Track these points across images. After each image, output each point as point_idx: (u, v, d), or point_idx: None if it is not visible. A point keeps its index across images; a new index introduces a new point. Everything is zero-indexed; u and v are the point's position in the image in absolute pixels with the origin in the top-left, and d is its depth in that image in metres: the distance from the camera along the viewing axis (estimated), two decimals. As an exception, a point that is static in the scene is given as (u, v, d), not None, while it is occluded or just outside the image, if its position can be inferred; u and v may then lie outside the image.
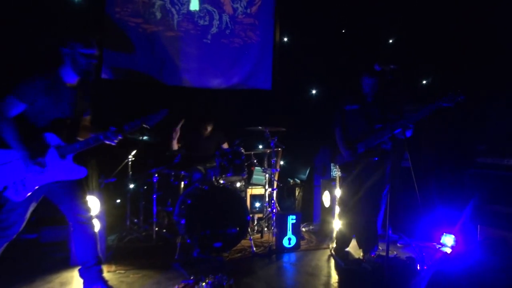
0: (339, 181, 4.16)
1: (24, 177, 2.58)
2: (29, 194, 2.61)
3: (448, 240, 4.45)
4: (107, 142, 2.76)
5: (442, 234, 4.52)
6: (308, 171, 5.89)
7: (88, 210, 2.87)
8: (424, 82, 5.98)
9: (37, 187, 2.64)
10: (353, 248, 4.17)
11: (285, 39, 6.18)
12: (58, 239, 4.13)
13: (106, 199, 4.51)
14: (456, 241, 4.37)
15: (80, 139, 2.86)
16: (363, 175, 3.78)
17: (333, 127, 3.94)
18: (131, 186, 4.81)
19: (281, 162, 5.87)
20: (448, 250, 4.30)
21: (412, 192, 3.25)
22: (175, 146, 4.85)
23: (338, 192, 4.27)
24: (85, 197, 2.86)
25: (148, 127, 2.77)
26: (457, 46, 5.11)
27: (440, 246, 4.45)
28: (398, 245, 4.51)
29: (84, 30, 4.71)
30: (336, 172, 4.21)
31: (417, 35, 5.59)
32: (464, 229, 4.25)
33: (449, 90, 3.08)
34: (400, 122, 3.32)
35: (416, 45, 5.61)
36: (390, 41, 6.22)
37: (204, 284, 2.80)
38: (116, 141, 2.77)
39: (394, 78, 3.00)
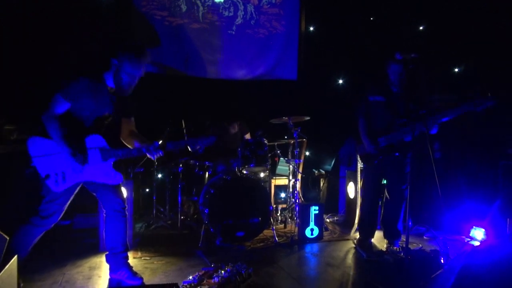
0: (361, 172, 4.10)
1: (65, 170, 2.72)
2: (67, 187, 2.74)
3: (477, 234, 4.31)
4: (148, 155, 2.84)
5: (472, 227, 4.39)
6: (333, 162, 5.83)
7: (122, 199, 2.98)
8: (456, 70, 5.76)
9: (75, 182, 2.78)
10: (378, 239, 4.12)
11: (311, 29, 6.11)
12: (89, 226, 4.34)
13: (135, 188, 4.69)
14: (486, 234, 4.23)
15: (124, 142, 2.99)
16: (385, 167, 3.73)
17: (356, 117, 3.88)
18: (158, 176, 4.95)
19: (307, 153, 5.85)
20: (477, 244, 4.17)
21: (440, 184, 3.15)
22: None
23: (359, 183, 4.23)
24: (120, 186, 2.99)
25: (191, 150, 2.85)
26: (491, 33, 4.87)
27: (469, 239, 4.33)
28: (425, 237, 4.42)
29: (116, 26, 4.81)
30: (358, 163, 4.16)
31: (449, 21, 5.36)
32: (494, 222, 4.10)
33: (478, 93, 2.92)
34: (421, 127, 3.21)
35: (448, 32, 5.39)
36: (421, 28, 6.01)
37: (223, 271, 2.86)
38: (156, 156, 2.84)
39: (415, 67, 2.90)
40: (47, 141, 2.71)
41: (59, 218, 2.83)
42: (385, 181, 3.97)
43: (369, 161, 3.81)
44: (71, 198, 2.87)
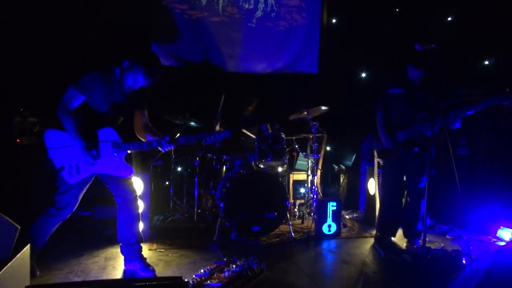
0: (378, 168, 3.98)
1: (79, 163, 2.78)
2: (81, 179, 2.80)
3: (505, 234, 4.13)
4: (160, 149, 2.86)
5: (499, 227, 4.20)
6: (354, 158, 5.71)
7: (133, 191, 3.01)
8: (486, 63, 5.50)
9: (89, 175, 2.83)
10: (398, 238, 4.00)
11: (333, 21, 5.97)
12: (108, 217, 4.40)
13: (154, 181, 4.73)
14: (513, 235, 4.04)
15: (137, 135, 3.01)
16: (405, 162, 3.59)
17: (375, 111, 3.76)
18: (177, 169, 4.97)
19: (327, 148, 5.75)
20: (504, 244, 3.98)
21: (466, 182, 3.01)
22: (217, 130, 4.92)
23: (376, 179, 4.10)
24: (131, 178, 3.01)
25: (204, 145, 2.84)
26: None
27: (495, 240, 4.14)
28: (448, 237, 4.26)
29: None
30: (375, 159, 4.03)
31: (478, 12, 5.12)
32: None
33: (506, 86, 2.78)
34: (442, 122, 3.08)
35: (477, 24, 5.15)
36: (449, 19, 5.77)
37: (234, 266, 2.83)
38: (167, 149, 2.87)
39: (436, 58, 2.77)
40: (62, 134, 2.77)
41: (74, 208, 2.89)
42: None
43: (386, 156, 3.69)
44: (85, 189, 2.92)
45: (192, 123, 4.70)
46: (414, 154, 3.51)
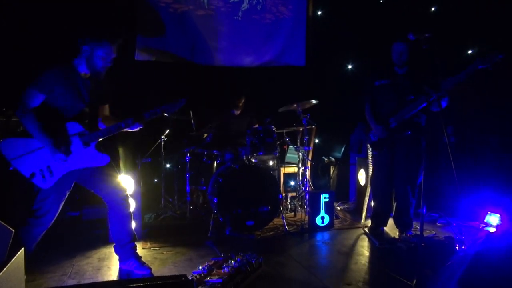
0: (371, 159, 4.02)
1: (50, 164, 2.66)
2: (56, 181, 2.68)
3: (493, 220, 4.22)
4: (128, 130, 2.82)
5: (487, 213, 4.29)
6: (343, 149, 5.74)
7: (122, 189, 2.92)
8: (470, 52, 5.59)
9: (63, 174, 2.70)
10: (390, 227, 4.05)
11: (319, 13, 5.97)
12: (98, 217, 4.32)
13: (144, 179, 4.66)
14: (501, 220, 4.13)
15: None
16: (397, 152, 3.65)
17: (363, 103, 3.81)
18: (167, 166, 4.91)
19: (316, 140, 5.76)
20: (493, 230, 4.08)
21: (453, 170, 3.07)
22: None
23: (370, 170, 4.13)
24: (117, 177, 2.92)
25: (168, 115, 2.80)
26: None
27: (484, 225, 4.23)
28: (438, 224, 4.34)
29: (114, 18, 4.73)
30: (368, 150, 4.07)
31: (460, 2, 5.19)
32: (510, 208, 4.00)
33: (486, 51, 2.88)
34: (434, 95, 3.15)
35: (462, 13, 5.21)
36: (432, 9, 5.83)
37: (233, 261, 2.81)
38: (136, 129, 2.84)
39: (429, 48, 2.80)
40: (21, 140, 2.64)
41: (55, 216, 2.77)
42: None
43: (379, 148, 3.72)
44: (65, 197, 2.80)
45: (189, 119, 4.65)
46: (406, 142, 3.56)
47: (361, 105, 3.91)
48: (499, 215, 4.18)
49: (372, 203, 4.01)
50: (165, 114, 2.82)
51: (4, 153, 2.60)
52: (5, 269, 1.85)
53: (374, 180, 3.96)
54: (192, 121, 4.70)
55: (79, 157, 2.73)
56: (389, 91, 3.65)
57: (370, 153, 4.01)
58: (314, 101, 4.45)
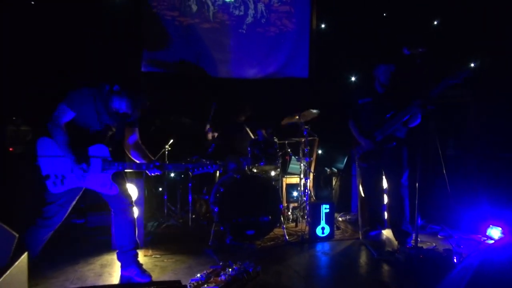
0: (360, 172, 4.17)
1: (65, 174, 2.78)
2: (64, 190, 2.80)
3: (494, 233, 4.21)
4: (148, 172, 2.92)
5: (488, 226, 4.28)
6: (345, 160, 5.77)
7: (128, 197, 3.02)
8: (472, 65, 5.61)
9: (72, 187, 2.82)
10: (390, 238, 4.07)
11: (322, 26, 6.06)
12: (102, 223, 4.40)
13: (147, 187, 4.73)
14: (503, 233, 4.12)
15: (126, 151, 3.04)
16: (383, 164, 3.88)
17: (347, 120, 4.07)
18: (171, 175, 4.99)
19: (319, 151, 5.80)
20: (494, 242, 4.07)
21: (456, 182, 3.14)
22: (209, 137, 4.96)
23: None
24: (124, 185, 3.02)
25: (191, 174, 2.91)
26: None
27: (485, 238, 4.23)
28: (439, 236, 4.34)
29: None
30: (356, 163, 4.23)
31: (461, 17, 5.24)
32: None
33: (455, 67, 3.13)
34: (408, 107, 3.39)
35: (459, 29, 5.27)
36: (435, 22, 5.88)
37: (230, 270, 2.85)
38: (154, 174, 2.93)
39: (423, 62, 2.87)
40: (54, 143, 2.77)
41: (62, 218, 2.88)
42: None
43: (367, 160, 3.94)
44: (74, 201, 2.91)
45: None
46: (391, 154, 3.76)
47: (347, 122, 4.16)
48: (500, 228, 4.18)
49: (367, 211, 4.18)
50: (190, 171, 2.96)
51: (37, 148, 2.78)
52: (7, 272, 1.92)
53: (364, 190, 4.22)
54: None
55: (92, 179, 2.83)
56: (371, 109, 3.89)
57: (358, 165, 4.19)
58: (315, 111, 4.53)
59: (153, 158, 3.03)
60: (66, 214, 2.91)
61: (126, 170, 2.94)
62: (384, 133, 3.75)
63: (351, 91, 4.14)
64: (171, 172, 5.11)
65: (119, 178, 2.99)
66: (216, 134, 5.02)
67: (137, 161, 2.99)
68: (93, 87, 2.82)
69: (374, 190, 4.07)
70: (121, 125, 2.96)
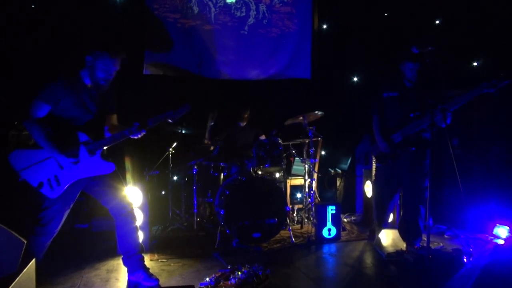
0: (375, 171, 4.05)
1: (57, 173, 2.71)
2: (63, 190, 2.73)
3: (501, 232, 4.19)
4: (132, 137, 2.85)
5: (495, 225, 4.26)
6: (349, 161, 5.76)
7: (127, 203, 2.97)
8: (475, 64, 5.61)
9: (70, 183, 2.75)
10: (398, 239, 4.03)
11: (324, 26, 6.04)
12: (107, 228, 4.36)
13: (151, 191, 4.70)
14: (510, 232, 4.10)
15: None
16: (402, 166, 3.63)
17: (371, 115, 3.82)
18: (174, 178, 4.96)
19: (322, 152, 5.78)
20: (501, 242, 4.05)
21: (461, 182, 3.07)
22: (209, 139, 4.91)
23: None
24: (123, 190, 2.97)
25: (171, 121, 2.85)
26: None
27: (492, 237, 4.20)
28: (446, 236, 4.32)
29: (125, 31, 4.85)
30: (373, 162, 4.10)
31: (465, 14, 5.23)
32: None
33: (493, 75, 2.86)
34: (439, 107, 3.13)
35: (464, 26, 5.26)
36: (437, 22, 5.88)
37: (240, 273, 2.83)
38: (140, 135, 2.86)
39: (432, 61, 2.83)
40: (29, 152, 2.70)
41: (59, 225, 2.81)
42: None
43: (384, 160, 3.74)
44: (70, 206, 2.84)
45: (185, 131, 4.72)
46: (411, 156, 3.56)
47: (369, 116, 3.88)
48: (508, 227, 4.16)
49: (374, 211, 4.04)
50: (169, 120, 2.86)
51: (13, 164, 2.66)
52: (17, 279, 1.89)
53: (376, 190, 4.04)
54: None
55: (85, 166, 2.77)
56: (396, 104, 3.63)
57: (375, 165, 4.04)
58: (319, 113, 4.50)
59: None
60: (63, 220, 2.83)
61: (126, 170, 2.90)
62: (404, 134, 3.53)
63: (377, 83, 3.77)
64: (174, 175, 5.08)
65: (118, 183, 2.95)
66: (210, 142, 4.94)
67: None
68: (67, 76, 2.76)
69: (383, 191, 3.84)
70: (102, 108, 2.90)
